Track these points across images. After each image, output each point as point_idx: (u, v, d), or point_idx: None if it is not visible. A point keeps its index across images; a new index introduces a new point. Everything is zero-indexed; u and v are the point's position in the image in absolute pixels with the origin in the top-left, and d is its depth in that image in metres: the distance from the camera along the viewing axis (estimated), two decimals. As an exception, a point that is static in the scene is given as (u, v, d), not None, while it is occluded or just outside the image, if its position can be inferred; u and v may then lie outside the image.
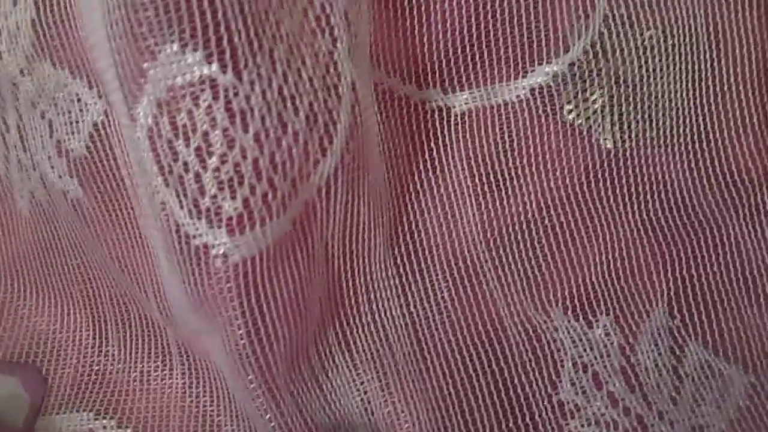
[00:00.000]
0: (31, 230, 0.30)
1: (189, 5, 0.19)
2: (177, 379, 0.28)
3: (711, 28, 0.29)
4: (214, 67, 0.20)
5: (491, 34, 0.28)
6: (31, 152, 0.27)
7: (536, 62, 0.28)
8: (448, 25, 0.27)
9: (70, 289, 0.30)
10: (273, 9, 0.21)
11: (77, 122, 0.25)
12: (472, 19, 0.27)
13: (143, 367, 0.29)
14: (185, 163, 0.21)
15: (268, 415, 0.25)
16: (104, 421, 0.28)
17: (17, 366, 0.29)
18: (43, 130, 0.26)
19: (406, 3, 0.27)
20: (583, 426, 0.26)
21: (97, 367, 0.29)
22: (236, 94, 0.20)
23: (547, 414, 0.26)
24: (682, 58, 0.29)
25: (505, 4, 0.27)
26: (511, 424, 0.26)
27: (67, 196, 0.27)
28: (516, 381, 0.26)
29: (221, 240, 0.21)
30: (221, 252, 0.22)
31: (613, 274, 0.28)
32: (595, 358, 0.27)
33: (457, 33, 0.27)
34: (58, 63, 0.24)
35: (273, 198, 0.21)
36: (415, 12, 0.27)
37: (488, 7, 0.27)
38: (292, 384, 0.25)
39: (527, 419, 0.26)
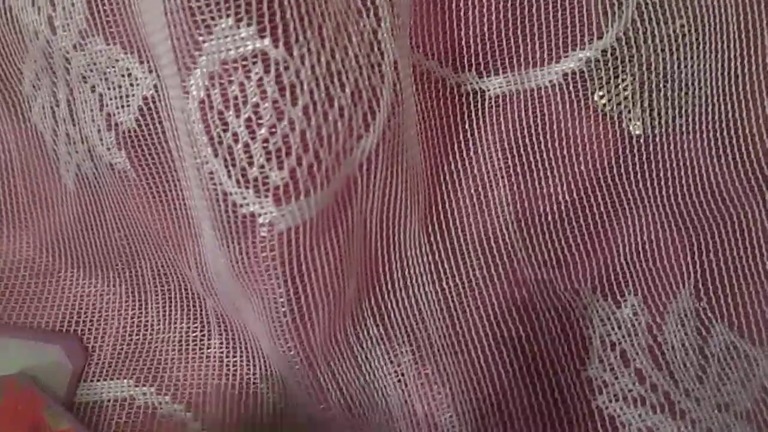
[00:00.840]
0: (75, 204, 0.31)
1: (245, -19, 0.20)
2: (215, 347, 0.29)
3: (741, 18, 0.29)
4: (267, 41, 0.21)
5: (526, 19, 0.28)
6: (80, 126, 0.28)
7: (569, 48, 0.29)
8: (485, 10, 0.28)
9: (112, 260, 0.31)
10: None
11: (127, 96, 0.26)
12: (508, 5, 0.28)
13: (182, 335, 0.30)
14: (235, 134, 0.22)
15: (305, 383, 0.26)
16: (144, 388, 0.29)
17: (59, 335, 0.30)
18: (93, 104, 0.27)
19: (445, -13, 0.27)
20: (610, 401, 0.27)
21: (137, 336, 0.30)
22: (287, 68, 0.21)
23: (575, 389, 0.27)
24: (712, 47, 0.30)
25: (540, -10, 0.28)
26: (540, 398, 0.26)
27: (115, 168, 0.27)
28: (545, 356, 0.27)
29: (267, 209, 0.22)
30: (267, 221, 0.22)
31: (641, 255, 0.29)
32: (623, 336, 0.27)
33: (493, 18, 0.28)
34: (110, 39, 0.25)
35: (318, 170, 0.22)
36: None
37: (523, -6, 0.28)
38: (329, 354, 0.26)
39: (556, 394, 0.27)
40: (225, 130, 0.22)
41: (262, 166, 0.22)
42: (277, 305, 0.24)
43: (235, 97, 0.21)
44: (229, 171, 0.22)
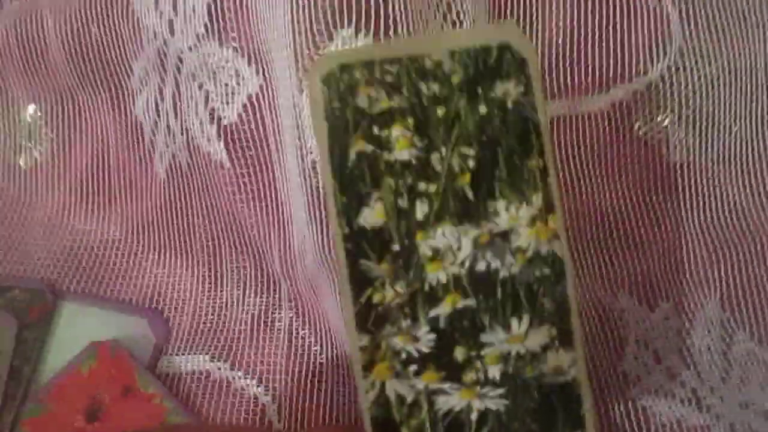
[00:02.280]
0: (164, 190, 0.34)
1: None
2: (285, 326, 0.32)
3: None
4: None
5: (582, 52, 0.32)
6: (182, 119, 0.31)
7: (618, 80, 0.33)
8: (547, 41, 0.32)
9: (193, 244, 0.34)
10: (425, 7, 0.25)
11: (233, 94, 0.29)
12: (567, 39, 0.32)
13: (255, 315, 0.32)
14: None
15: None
16: (219, 363, 0.32)
17: (145, 309, 0.33)
18: (199, 99, 0.30)
19: (515, 11, 0.31)
20: (643, 394, 0.30)
21: (212, 316, 0.33)
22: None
23: (612, 382, 0.30)
24: (742, 89, 0.34)
25: (596, 27, 0.32)
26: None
27: (211, 158, 0.31)
28: (586, 353, 0.30)
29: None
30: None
31: (674, 267, 0.32)
32: (656, 337, 0.31)
33: (554, 49, 0.32)
34: (224, 42, 0.29)
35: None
36: (521, 23, 0.31)
37: (582, 29, 0.32)
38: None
39: (594, 385, 0.30)
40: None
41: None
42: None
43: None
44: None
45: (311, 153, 0.26)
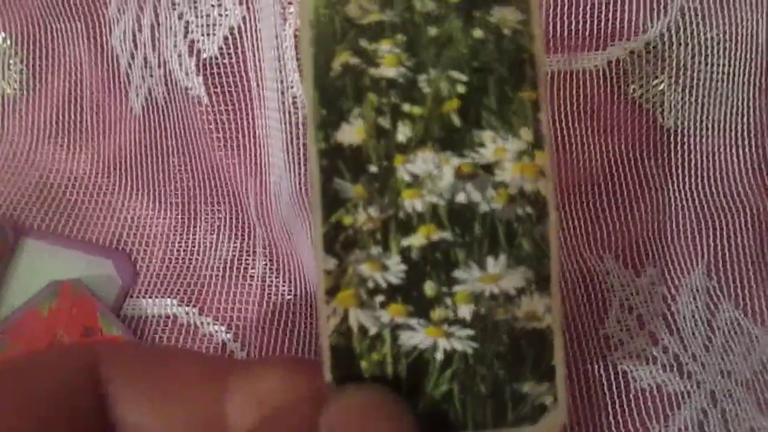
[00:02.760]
0: (139, 127, 0.33)
1: None
2: (258, 272, 0.31)
3: (769, 34, 0.32)
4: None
5: (581, 9, 0.31)
6: (160, 51, 0.30)
7: (616, 38, 0.31)
8: (546, -7, 0.30)
9: (166, 185, 0.33)
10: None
11: (214, 25, 0.28)
12: (567, -7, 0.31)
13: (228, 258, 0.31)
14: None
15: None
16: (187, 308, 0.31)
17: (111, 250, 0.32)
18: (178, 31, 0.29)
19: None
20: (625, 358, 0.29)
21: (183, 260, 0.32)
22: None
23: (593, 344, 0.29)
24: (741, 56, 0.33)
25: (597, -18, 0.31)
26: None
27: (189, 93, 0.29)
28: (568, 314, 0.29)
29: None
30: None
31: (662, 233, 0.31)
32: (640, 302, 0.30)
33: (552, 1, 0.31)
34: (208, -31, 0.27)
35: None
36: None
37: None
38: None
39: (575, 346, 0.29)
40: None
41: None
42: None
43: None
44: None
45: (292, 87, 0.25)
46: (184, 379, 0.16)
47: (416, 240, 0.18)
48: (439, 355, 0.18)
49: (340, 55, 0.18)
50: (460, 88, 0.19)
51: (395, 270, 0.18)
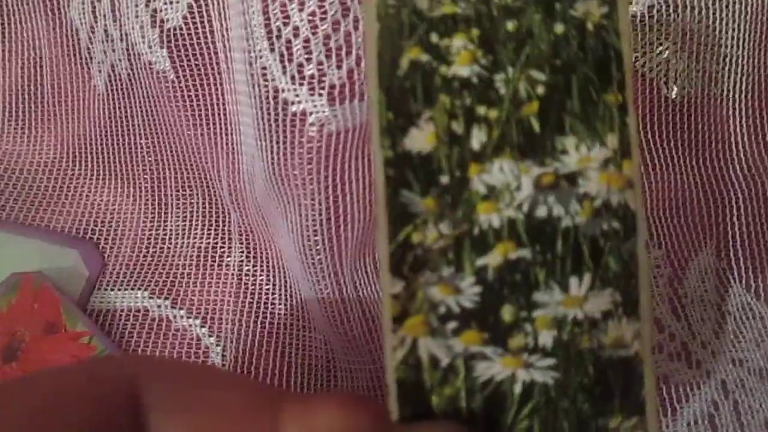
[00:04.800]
0: (104, 106, 0.30)
1: None
2: (234, 263, 0.29)
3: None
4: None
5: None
6: (121, 22, 0.27)
7: (616, 1, 0.29)
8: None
9: (134, 168, 0.30)
10: None
11: (178, -7, 0.26)
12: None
13: (201, 249, 0.29)
14: (296, 28, 0.22)
15: (329, 301, 0.26)
16: (159, 301, 0.29)
17: (76, 240, 0.30)
18: (139, 0, 0.26)
19: None
20: (628, 347, 0.27)
21: (154, 249, 0.30)
22: (358, -38, 0.21)
23: (594, 333, 0.27)
24: (750, 19, 0.30)
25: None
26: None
27: (154, 68, 0.27)
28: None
29: (320, 108, 0.22)
30: (318, 120, 0.22)
31: (668, 212, 0.29)
32: (645, 286, 0.28)
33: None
34: (168, -70, 0.25)
35: (374, 75, 0.22)
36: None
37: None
38: (356, 273, 0.26)
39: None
40: (286, 23, 0.22)
41: (321, 64, 0.22)
42: (314, 213, 0.24)
43: (302, -11, 0.21)
44: (284, 67, 0.22)
45: (261, 57, 0.22)
46: (233, 412, 0.14)
47: (492, 259, 0.16)
48: (518, 388, 0.16)
49: (409, 52, 0.16)
50: (540, 90, 0.17)
51: (469, 293, 0.16)
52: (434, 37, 0.17)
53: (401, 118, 0.16)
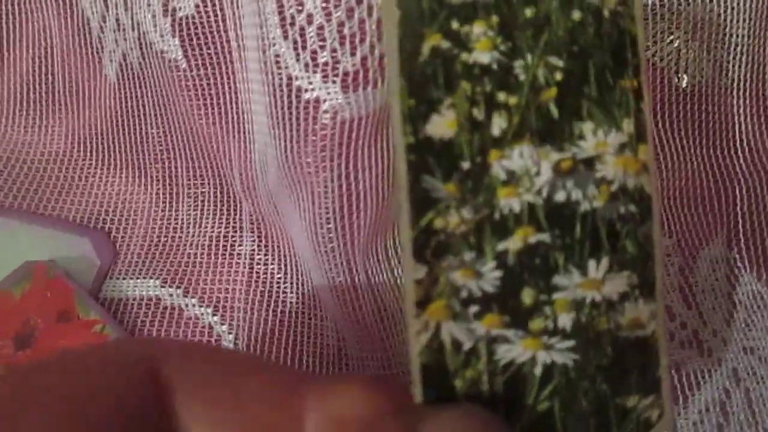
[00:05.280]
0: (115, 96, 0.30)
1: None
2: (246, 252, 0.29)
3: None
4: None
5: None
6: (133, 11, 0.27)
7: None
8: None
9: (146, 158, 0.30)
10: None
11: (190, -19, 0.26)
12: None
13: (213, 238, 0.29)
14: (309, 15, 0.22)
15: (340, 288, 0.26)
16: (170, 289, 0.29)
17: (88, 229, 0.30)
18: (152, -11, 0.26)
19: None
20: (639, 335, 0.27)
21: (165, 237, 0.30)
22: (372, -52, 0.21)
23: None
24: (760, 7, 0.30)
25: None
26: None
27: (165, 57, 0.27)
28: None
29: (334, 95, 0.22)
30: (332, 107, 0.22)
31: (678, 201, 0.29)
32: (656, 275, 0.28)
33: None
34: None
35: (388, 62, 0.22)
36: None
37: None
38: (368, 261, 0.26)
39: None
40: (299, 11, 0.22)
41: (335, 51, 0.22)
42: (327, 200, 0.24)
43: (316, -24, 0.21)
44: (298, 54, 0.22)
45: (274, 45, 0.22)
46: (258, 395, 0.14)
47: (512, 243, 0.16)
48: (539, 370, 0.16)
49: (430, 38, 0.16)
50: (558, 76, 0.17)
51: (490, 277, 0.16)
52: (455, 24, 0.17)
53: (423, 105, 0.16)
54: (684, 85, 0.30)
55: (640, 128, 0.17)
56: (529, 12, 0.17)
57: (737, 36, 0.30)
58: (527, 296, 0.16)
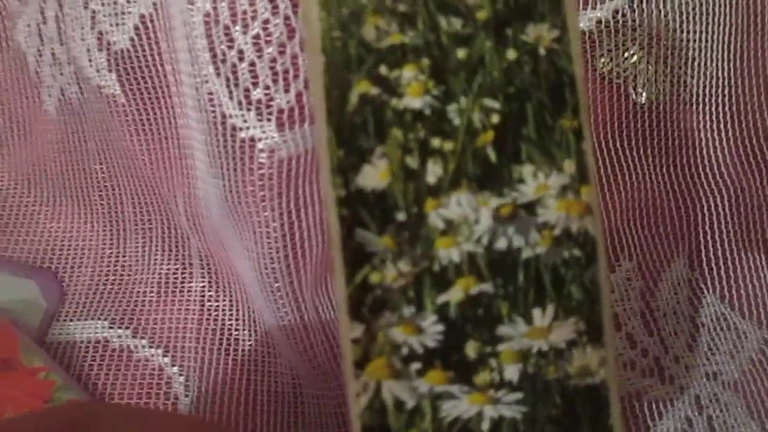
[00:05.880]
0: (55, 131, 0.29)
1: None
2: (196, 290, 0.28)
3: (751, -5, 0.29)
4: (281, -47, 0.20)
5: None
6: (68, 45, 0.27)
7: (581, 7, 0.28)
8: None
9: (91, 196, 0.29)
10: None
11: (123, 14, 0.25)
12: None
13: (162, 276, 0.28)
14: (240, 51, 0.21)
15: (291, 328, 0.25)
16: (119, 330, 0.28)
17: (34, 270, 0.29)
18: (85, 22, 0.25)
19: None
20: (600, 364, 0.26)
21: (113, 276, 0.29)
22: (301, -17, 0.20)
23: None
24: (720, 20, 0.30)
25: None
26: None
27: (103, 92, 0.26)
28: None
29: (269, 134, 0.21)
30: (268, 146, 0.21)
31: (638, 222, 0.28)
32: (616, 300, 0.27)
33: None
34: (110, -49, 0.24)
35: (324, 97, 0.21)
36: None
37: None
38: (317, 298, 0.25)
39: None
40: (230, 47, 0.21)
41: (267, 88, 0.21)
42: (270, 240, 0.23)
43: (244, 11, 0.20)
44: (230, 92, 0.21)
45: (207, 82, 0.21)
46: None
47: (454, 295, 0.16)
48: (486, 425, 0.16)
49: (358, 85, 0.16)
50: (495, 118, 0.16)
51: (432, 332, 0.16)
52: (384, 69, 0.16)
53: (353, 155, 0.16)
54: (642, 100, 0.30)
55: (582, 169, 0.16)
56: (461, 53, 0.16)
57: (695, 49, 0.30)
58: (471, 349, 0.16)
